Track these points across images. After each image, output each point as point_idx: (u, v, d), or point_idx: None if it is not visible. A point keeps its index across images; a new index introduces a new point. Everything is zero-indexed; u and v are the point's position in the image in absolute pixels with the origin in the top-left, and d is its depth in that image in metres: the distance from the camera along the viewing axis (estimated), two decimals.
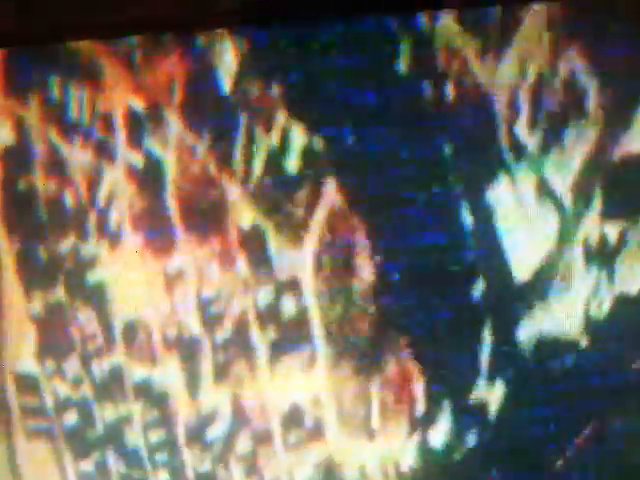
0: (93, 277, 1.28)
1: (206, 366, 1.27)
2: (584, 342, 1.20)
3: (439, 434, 1.25)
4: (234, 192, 1.23)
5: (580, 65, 1.15)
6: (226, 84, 1.21)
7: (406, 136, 1.19)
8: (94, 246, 1.28)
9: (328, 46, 1.18)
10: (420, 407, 1.24)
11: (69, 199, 1.27)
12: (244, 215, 1.24)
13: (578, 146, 1.17)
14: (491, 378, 1.22)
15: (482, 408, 1.23)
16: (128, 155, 1.25)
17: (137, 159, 1.25)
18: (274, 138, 1.21)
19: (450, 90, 1.18)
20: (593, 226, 1.18)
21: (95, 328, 1.29)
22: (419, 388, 1.24)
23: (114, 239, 1.27)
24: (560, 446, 1.23)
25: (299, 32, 1.17)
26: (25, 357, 1.30)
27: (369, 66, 1.17)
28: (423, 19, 1.16)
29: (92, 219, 1.28)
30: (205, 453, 1.28)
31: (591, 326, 1.20)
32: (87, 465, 1.31)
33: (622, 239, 1.17)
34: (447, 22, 1.16)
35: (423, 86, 1.17)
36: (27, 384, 1.31)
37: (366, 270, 1.22)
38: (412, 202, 1.21)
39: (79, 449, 1.31)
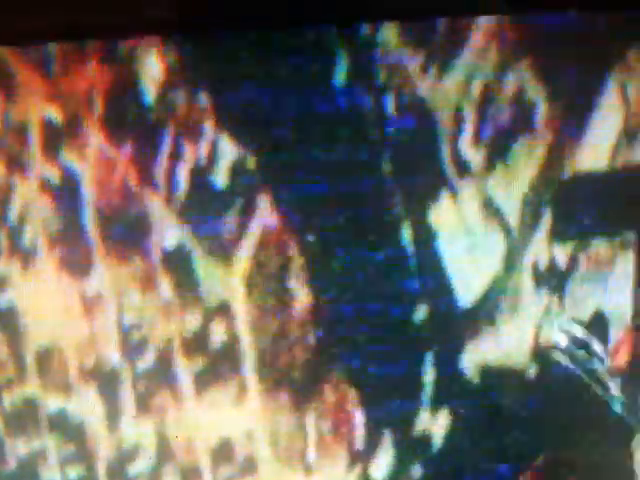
0: (3, 300, 1.21)
1: (127, 397, 1.21)
2: (533, 370, 1.16)
3: (381, 467, 1.20)
4: (158, 209, 1.17)
5: (528, 80, 1.11)
6: (151, 95, 1.14)
7: (344, 152, 1.14)
8: (5, 266, 1.21)
9: (263, 57, 1.13)
10: (360, 439, 1.19)
11: None
12: (168, 234, 1.17)
13: (526, 163, 1.13)
14: (435, 408, 1.17)
15: (426, 439, 1.18)
16: (43, 169, 1.18)
17: (53, 173, 1.18)
18: (202, 152, 1.15)
19: (391, 104, 1.13)
20: (542, 247, 1.14)
21: (5, 356, 1.22)
22: (359, 419, 1.18)
23: (27, 259, 1.20)
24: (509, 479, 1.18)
25: (231, 42, 1.12)
26: None
27: (306, 79, 1.12)
28: (364, 31, 1.11)
29: (2, 237, 1.21)
30: None
31: (541, 353, 1.15)
32: None
33: (572, 261, 1.13)
34: (389, 34, 1.11)
35: (362, 100, 1.12)
36: None
37: (302, 294, 1.17)
38: (350, 221, 1.15)
39: None
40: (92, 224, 1.20)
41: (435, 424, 1.19)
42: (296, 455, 1.21)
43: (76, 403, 1.23)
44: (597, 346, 1.14)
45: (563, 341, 1.14)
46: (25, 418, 1.24)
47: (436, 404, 1.19)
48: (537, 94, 1.13)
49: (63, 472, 1.25)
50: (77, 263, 1.21)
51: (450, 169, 1.15)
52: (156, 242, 1.19)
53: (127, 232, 1.19)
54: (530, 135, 1.14)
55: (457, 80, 1.13)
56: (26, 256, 1.22)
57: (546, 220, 1.15)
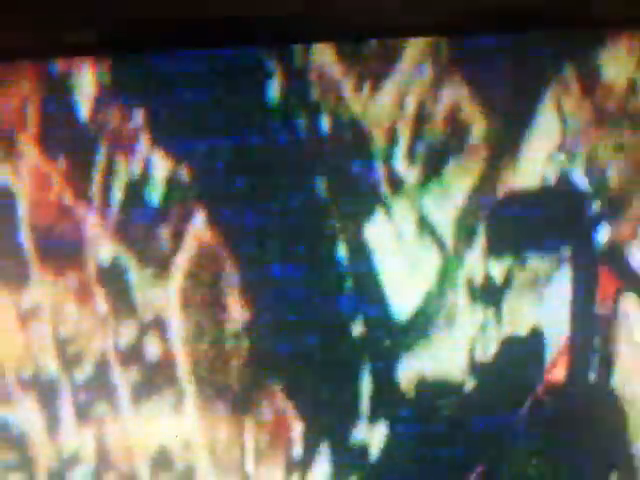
0: None
1: (66, 407, 1.24)
2: (469, 383, 1.19)
3: (318, 477, 1.23)
4: (92, 224, 1.19)
5: (463, 98, 1.13)
6: (85, 112, 1.16)
7: (279, 169, 1.16)
8: None
9: (197, 77, 1.14)
10: (297, 450, 1.22)
11: None
12: (103, 249, 1.19)
13: (460, 180, 1.15)
14: (372, 420, 1.21)
15: (362, 450, 1.22)
16: None
17: None
18: (136, 168, 1.17)
19: (325, 123, 1.15)
20: (477, 264, 1.17)
21: None
22: (296, 430, 1.22)
23: None
24: None
25: (165, 63, 1.13)
26: None
27: (240, 98, 1.14)
28: (297, 51, 1.13)
29: None
30: None
31: (476, 367, 1.19)
32: None
33: (506, 278, 1.16)
34: (323, 54, 1.13)
35: (296, 118, 1.14)
36: None
37: (237, 308, 1.20)
38: (286, 236, 1.18)
39: None
40: (27, 239, 1.22)
41: (372, 435, 1.22)
42: (234, 464, 1.25)
43: (16, 413, 1.26)
44: None
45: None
46: None
47: (373, 416, 1.22)
48: (472, 112, 1.15)
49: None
50: (13, 277, 1.23)
51: (384, 186, 1.17)
52: (91, 256, 1.21)
53: (62, 247, 1.22)
54: (465, 153, 1.16)
55: (391, 98, 1.15)
56: None
57: (481, 237, 1.17)
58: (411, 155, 1.15)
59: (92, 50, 1.15)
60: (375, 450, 1.23)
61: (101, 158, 1.18)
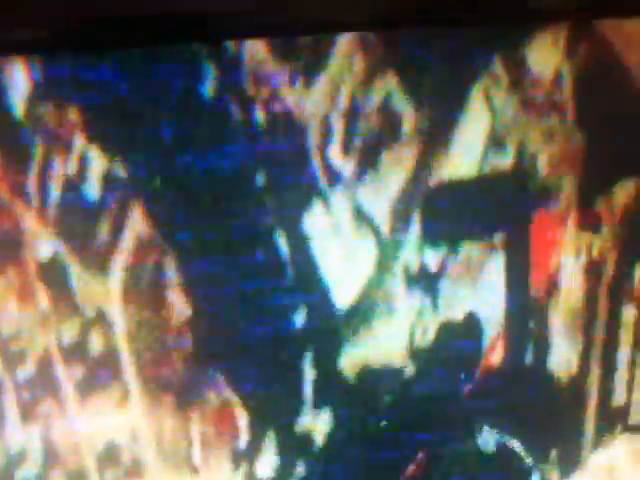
0: None
1: (10, 404, 1.27)
2: (409, 368, 1.25)
3: (266, 466, 1.28)
4: (31, 222, 1.22)
5: (395, 90, 1.18)
6: (19, 110, 1.19)
7: (215, 163, 1.20)
8: None
9: (131, 72, 1.17)
10: (244, 439, 1.27)
11: None
12: (42, 245, 1.23)
13: (394, 171, 1.20)
14: (316, 407, 1.26)
15: (308, 438, 1.27)
16: None
17: None
18: (72, 164, 1.20)
19: (260, 117, 1.19)
20: (412, 252, 1.22)
21: None
22: (241, 420, 1.26)
23: None
24: (390, 475, 1.28)
25: (98, 58, 1.17)
26: None
27: (173, 92, 1.17)
28: (230, 45, 1.16)
29: None
30: None
31: (416, 352, 1.24)
32: None
33: (442, 265, 1.22)
34: (256, 48, 1.17)
35: (231, 113, 1.18)
36: None
37: (178, 301, 1.24)
38: (225, 229, 1.22)
39: None
40: None
41: (316, 423, 1.28)
42: (181, 456, 1.29)
43: None
44: None
45: None
46: None
47: (317, 404, 1.27)
48: (404, 103, 1.20)
49: None
50: None
51: (321, 178, 1.22)
52: (30, 254, 1.24)
53: (0, 245, 1.24)
54: (398, 144, 1.21)
55: (324, 91, 1.19)
56: None
57: (416, 226, 1.23)
58: (346, 147, 1.20)
59: (25, 48, 1.17)
60: (320, 436, 1.28)
61: (37, 155, 1.20)
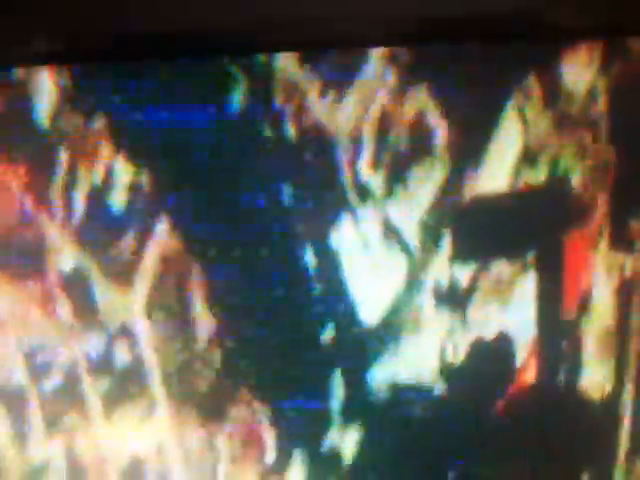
0: None
1: (35, 418, 1.31)
2: (440, 386, 1.28)
3: None
4: (54, 233, 1.27)
5: (428, 105, 1.21)
6: (45, 119, 1.24)
7: (245, 177, 1.24)
8: None
9: (160, 84, 1.22)
10: (271, 456, 1.31)
11: None
12: (66, 257, 1.27)
13: (424, 186, 1.24)
14: (344, 425, 1.29)
15: (336, 456, 1.30)
16: None
17: None
18: (98, 174, 1.25)
19: (290, 130, 1.23)
20: (443, 269, 1.25)
21: None
22: (269, 436, 1.31)
23: None
24: None
25: (127, 68, 1.21)
26: None
27: (204, 104, 1.22)
28: (260, 58, 1.21)
29: None
30: None
31: (446, 371, 1.27)
32: None
33: (473, 282, 1.25)
34: (286, 62, 1.21)
35: (261, 126, 1.22)
36: None
37: (204, 314, 1.28)
38: (253, 243, 1.26)
39: None
40: None
41: (345, 441, 1.31)
42: (207, 472, 1.33)
43: None
44: None
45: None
46: None
47: (345, 421, 1.31)
48: (436, 118, 1.24)
49: None
50: None
51: (350, 192, 1.26)
52: (53, 266, 1.29)
53: (24, 256, 1.29)
54: (429, 158, 1.25)
55: (355, 105, 1.23)
56: None
57: (446, 242, 1.26)
58: (376, 162, 1.24)
59: (54, 58, 1.21)
60: (348, 455, 1.32)
61: (62, 165, 1.25)
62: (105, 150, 1.26)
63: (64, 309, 1.30)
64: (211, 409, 1.32)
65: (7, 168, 1.28)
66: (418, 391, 1.30)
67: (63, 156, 1.26)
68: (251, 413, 1.31)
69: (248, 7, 1.16)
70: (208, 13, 1.16)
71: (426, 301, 1.28)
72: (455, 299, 1.27)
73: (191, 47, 1.19)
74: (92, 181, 1.27)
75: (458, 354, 1.29)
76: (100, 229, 1.28)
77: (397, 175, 1.24)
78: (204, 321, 1.29)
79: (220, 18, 1.16)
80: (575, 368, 1.30)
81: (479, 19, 1.14)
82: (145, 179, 1.26)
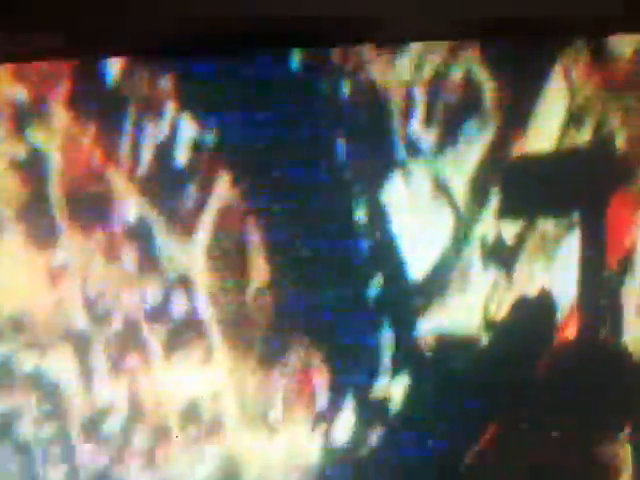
0: None
1: (99, 360, 1.40)
2: (483, 340, 1.33)
3: (342, 429, 1.38)
4: (120, 185, 1.34)
5: (477, 65, 1.26)
6: (113, 75, 1.31)
7: (301, 133, 1.30)
8: None
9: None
10: (323, 401, 1.38)
11: None
12: (131, 208, 1.34)
13: (474, 144, 1.29)
14: (392, 374, 1.35)
15: (384, 404, 1.37)
16: (10, 146, 1.36)
17: (20, 150, 1.37)
18: (163, 129, 1.32)
19: (345, 87, 1.28)
20: (490, 225, 1.30)
21: None
22: (321, 382, 1.37)
23: None
24: (463, 442, 1.36)
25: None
26: None
27: (264, 63, 1.28)
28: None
29: None
30: (101, 448, 1.41)
31: (490, 324, 1.33)
32: None
33: (518, 240, 1.30)
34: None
35: (317, 83, 1.27)
36: None
37: (260, 265, 1.34)
38: (307, 198, 1.32)
39: None
40: (57, 199, 1.37)
41: (392, 390, 1.37)
42: (261, 415, 1.39)
43: (50, 365, 1.42)
44: None
45: None
46: (2, 377, 1.43)
47: (393, 371, 1.37)
48: (486, 78, 1.28)
49: (38, 429, 1.43)
50: (44, 236, 1.38)
51: (402, 149, 1.31)
52: (119, 216, 1.37)
53: (91, 206, 1.37)
54: (478, 117, 1.30)
55: (408, 63, 1.28)
56: None
57: (494, 199, 1.31)
58: (427, 119, 1.29)
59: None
60: (395, 404, 1.37)
61: (129, 121, 1.32)
62: (170, 107, 1.32)
63: (128, 258, 1.36)
64: (265, 355, 1.37)
65: (78, 125, 1.35)
66: (461, 345, 1.34)
67: (130, 113, 1.33)
68: (303, 359, 1.36)
69: None
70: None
71: (472, 257, 1.32)
72: (501, 256, 1.31)
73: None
74: (157, 137, 1.33)
75: (502, 309, 1.33)
76: (164, 182, 1.34)
77: (447, 133, 1.29)
78: (259, 270, 1.35)
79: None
80: (617, 325, 1.34)
81: None
82: (207, 135, 1.32)
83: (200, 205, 1.33)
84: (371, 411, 1.38)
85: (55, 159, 1.35)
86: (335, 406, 1.38)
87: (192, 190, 1.33)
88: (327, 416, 1.38)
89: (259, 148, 1.31)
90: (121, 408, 1.41)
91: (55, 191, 1.36)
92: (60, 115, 1.33)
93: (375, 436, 1.38)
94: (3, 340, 1.41)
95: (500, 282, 1.32)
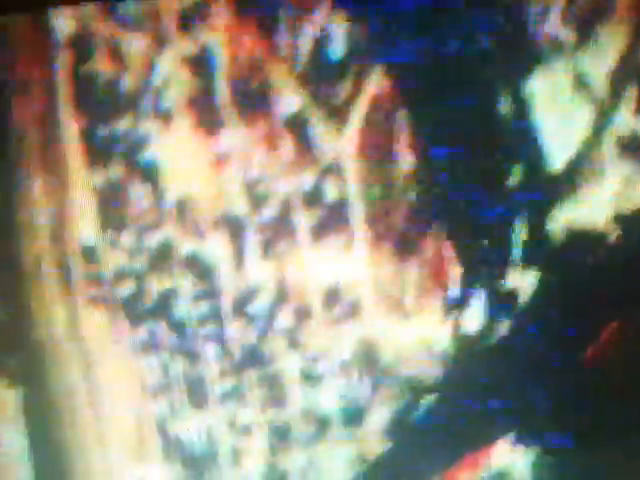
0: (146, 156, 1.54)
1: (251, 243, 1.52)
2: (614, 235, 1.41)
3: (472, 318, 1.47)
4: (280, 78, 1.47)
5: None
6: None
7: (446, 30, 1.41)
8: (146, 126, 1.53)
9: None
10: (455, 291, 1.47)
11: (126, 82, 1.53)
12: (289, 100, 1.47)
13: (613, 40, 1.37)
14: (523, 267, 1.44)
15: (513, 296, 1.45)
16: (180, 42, 1.51)
17: (188, 46, 1.50)
18: (319, 24, 1.45)
19: None
20: (626, 121, 1.38)
21: (149, 203, 1.55)
22: (455, 272, 1.46)
23: (166, 120, 1.53)
24: (587, 333, 1.45)
25: None
26: (86, 229, 1.57)
27: None
28: None
29: (145, 101, 1.53)
30: (249, 326, 1.54)
31: (621, 219, 1.41)
32: (140, 333, 1.58)
33: None
34: None
35: None
36: (88, 254, 1.58)
37: (408, 157, 1.46)
38: (453, 93, 1.43)
39: (133, 318, 1.58)
40: (222, 90, 1.51)
41: (522, 283, 1.46)
42: (396, 301, 1.49)
43: (206, 247, 1.54)
44: None
45: None
46: (162, 258, 1.56)
47: (524, 263, 1.46)
48: None
49: (192, 307, 1.56)
50: (209, 124, 1.52)
51: (544, 45, 1.41)
52: (278, 107, 1.49)
53: (253, 98, 1.50)
54: (615, 18, 1.39)
55: None
56: (165, 118, 1.53)
57: (632, 95, 1.39)
58: (567, 15, 1.39)
59: None
60: (524, 297, 1.45)
61: (287, 18, 1.45)
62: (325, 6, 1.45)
63: (286, 147, 1.49)
64: (405, 243, 1.47)
65: (240, 23, 1.49)
66: (591, 239, 1.42)
67: (288, 10, 1.46)
68: (440, 249, 1.47)
69: None
70: None
71: (608, 151, 1.40)
72: (637, 151, 1.39)
73: None
74: (313, 32, 1.46)
75: (635, 204, 1.41)
76: (320, 74, 1.46)
77: (588, 29, 1.38)
78: (407, 159, 1.46)
79: None
80: None
81: None
82: (358, 31, 1.45)
83: (353, 96, 1.44)
84: (501, 302, 1.45)
85: (220, 54, 1.47)
86: (466, 296, 1.46)
87: (346, 82, 1.43)
88: (458, 305, 1.46)
89: (410, 43, 1.42)
90: (269, 289, 1.52)
91: (220, 84, 1.48)
92: (223, 14, 1.46)
93: (504, 327, 1.45)
94: (166, 224, 1.53)
95: (635, 176, 1.39)
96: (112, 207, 1.55)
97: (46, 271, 1.56)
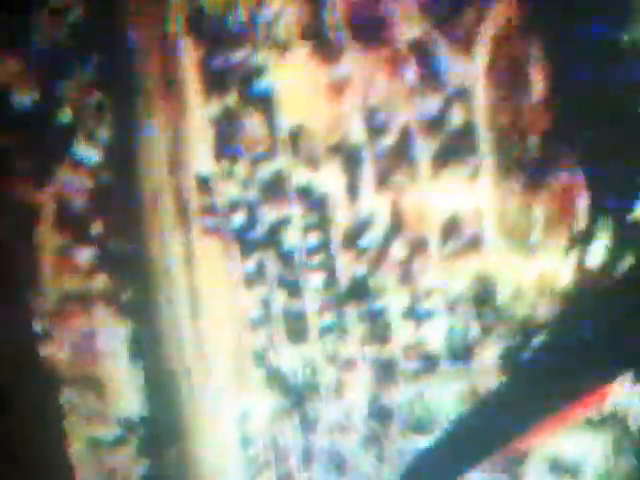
0: (262, 85, 1.52)
1: (367, 173, 1.49)
2: None
3: (597, 253, 1.44)
4: (398, 7, 1.44)
5: None
6: None
7: None
8: (262, 56, 1.51)
9: None
10: (581, 224, 1.44)
11: (241, 13, 1.51)
12: (414, 25, 1.44)
13: None
14: None
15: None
16: None
17: None
18: None
19: None
20: None
21: (263, 133, 1.53)
22: (582, 204, 1.43)
23: (282, 49, 1.50)
24: None
25: None
26: (202, 159, 1.55)
27: None
28: None
29: (260, 30, 1.51)
30: (360, 258, 1.51)
31: None
32: (249, 264, 1.56)
33: None
34: None
35: None
36: (203, 184, 1.56)
37: (538, 84, 1.42)
38: (589, 22, 1.40)
39: (244, 248, 1.56)
40: (343, 17, 1.48)
41: None
42: (520, 236, 1.46)
43: (320, 177, 1.52)
44: None
45: None
46: (275, 189, 1.55)
47: None
48: None
49: (304, 238, 1.55)
50: (327, 51, 1.49)
51: None
52: (401, 32, 1.46)
53: (373, 22, 1.47)
54: None
55: None
56: (281, 46, 1.50)
57: None
58: None
59: None
60: None
61: None
62: None
63: (408, 72, 1.46)
64: (532, 174, 1.44)
65: None
66: None
67: None
68: (569, 181, 1.43)
69: None
70: None
71: None
72: None
73: None
74: None
75: None
76: (442, 2, 1.43)
77: None
78: (536, 87, 1.43)
79: None
80: None
81: None
82: None
83: (480, 22, 1.41)
84: (627, 236, 1.42)
85: None
86: (592, 228, 1.43)
87: (471, 7, 1.40)
88: (584, 237, 1.43)
89: None
90: (383, 221, 1.49)
91: (333, 13, 1.45)
92: None
93: (628, 261, 1.42)
94: (280, 154, 1.50)
95: None
96: (227, 137, 1.49)
97: (163, 203, 1.53)
